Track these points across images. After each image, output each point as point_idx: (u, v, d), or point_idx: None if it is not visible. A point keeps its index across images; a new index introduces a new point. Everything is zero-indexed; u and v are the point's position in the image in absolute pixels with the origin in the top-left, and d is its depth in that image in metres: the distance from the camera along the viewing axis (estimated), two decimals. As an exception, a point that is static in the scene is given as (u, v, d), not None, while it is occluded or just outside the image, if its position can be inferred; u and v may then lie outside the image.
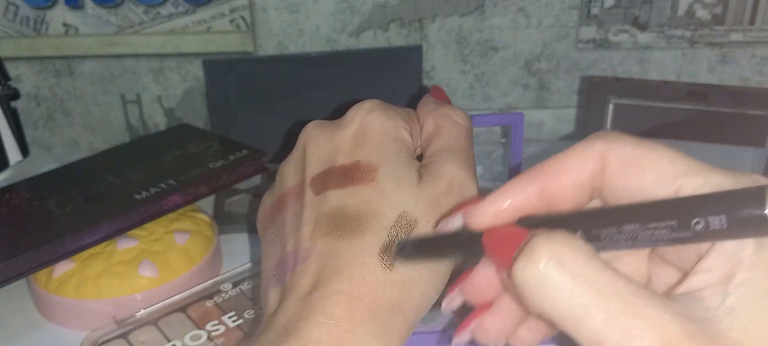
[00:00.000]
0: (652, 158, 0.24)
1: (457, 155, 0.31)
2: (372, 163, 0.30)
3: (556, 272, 0.21)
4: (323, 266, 0.28)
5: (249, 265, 0.51)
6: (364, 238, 0.28)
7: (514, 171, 0.52)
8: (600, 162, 0.25)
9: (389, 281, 0.28)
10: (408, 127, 0.32)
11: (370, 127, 0.31)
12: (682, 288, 0.22)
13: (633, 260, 0.27)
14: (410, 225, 0.28)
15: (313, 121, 0.33)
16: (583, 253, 0.21)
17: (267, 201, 0.34)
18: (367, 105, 0.32)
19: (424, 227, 0.29)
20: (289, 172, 0.33)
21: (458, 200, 0.30)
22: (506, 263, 0.23)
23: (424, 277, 0.28)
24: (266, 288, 0.31)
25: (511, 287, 0.23)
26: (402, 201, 0.29)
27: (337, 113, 0.33)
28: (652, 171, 0.23)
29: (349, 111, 0.32)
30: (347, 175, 0.30)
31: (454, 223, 0.27)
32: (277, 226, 0.32)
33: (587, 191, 0.25)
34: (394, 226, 0.28)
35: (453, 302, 0.28)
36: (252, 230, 0.57)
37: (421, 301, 0.28)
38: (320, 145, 0.32)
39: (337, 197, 0.29)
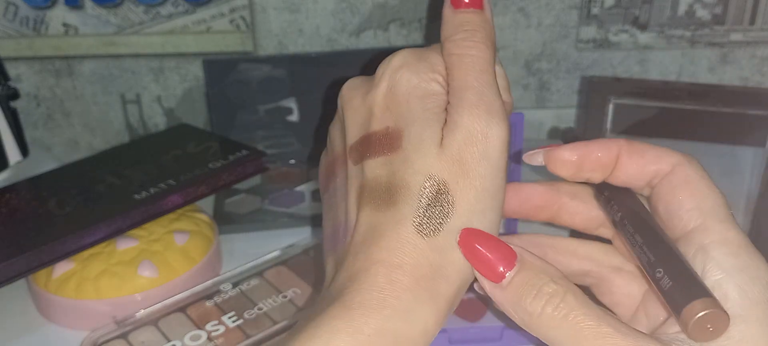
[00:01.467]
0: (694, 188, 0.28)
1: (469, 99, 0.28)
2: (398, 129, 0.29)
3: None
4: (364, 237, 0.28)
5: (249, 265, 0.51)
6: (397, 209, 0.28)
7: (514, 171, 0.52)
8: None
9: (428, 247, 0.27)
10: (439, 76, 0.30)
11: (397, 88, 0.29)
12: (666, 328, 0.26)
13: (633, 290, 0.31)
14: (439, 188, 0.27)
15: (349, 81, 0.32)
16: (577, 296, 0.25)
17: (323, 162, 0.34)
18: (395, 62, 0.30)
19: (453, 189, 0.27)
20: (336, 135, 0.33)
21: (483, 151, 0.28)
22: (496, 277, 0.27)
23: None
24: (326, 254, 0.31)
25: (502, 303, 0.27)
26: (426, 165, 0.28)
27: (373, 65, 0.32)
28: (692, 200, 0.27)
29: (378, 68, 0.31)
30: (379, 144, 0.29)
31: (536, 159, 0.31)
32: (331, 192, 0.32)
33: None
34: (421, 191, 0.27)
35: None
36: (249, 230, 0.57)
37: (462, 263, 0.28)
38: (355, 109, 0.31)
39: (371, 168, 0.29)
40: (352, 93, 0.31)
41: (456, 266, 0.27)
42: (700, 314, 0.23)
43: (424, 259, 0.27)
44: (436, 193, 0.27)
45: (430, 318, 0.27)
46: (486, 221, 0.28)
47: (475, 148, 0.28)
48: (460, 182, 0.27)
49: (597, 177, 0.30)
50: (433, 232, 0.27)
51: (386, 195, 0.28)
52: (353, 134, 0.30)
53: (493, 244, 0.27)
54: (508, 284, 0.26)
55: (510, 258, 0.26)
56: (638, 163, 0.29)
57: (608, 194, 0.30)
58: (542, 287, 0.25)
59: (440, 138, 0.28)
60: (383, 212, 0.28)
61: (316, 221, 0.57)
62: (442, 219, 0.27)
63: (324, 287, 0.30)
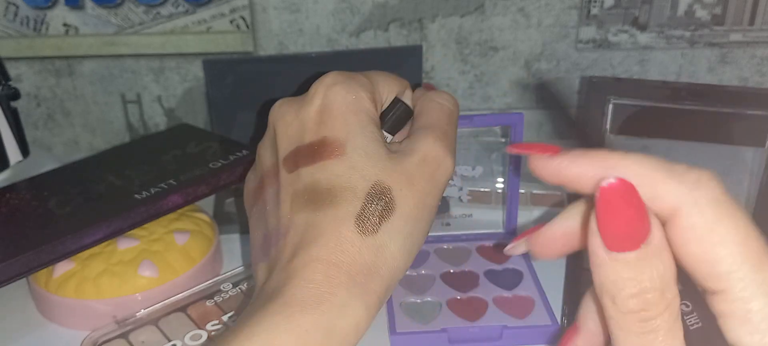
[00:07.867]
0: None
1: (434, 132, 0.33)
2: (339, 139, 0.32)
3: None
4: (302, 237, 0.30)
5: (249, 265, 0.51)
6: (339, 208, 0.30)
7: (513, 171, 0.53)
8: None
9: (365, 245, 0.30)
10: (370, 96, 0.34)
11: (332, 103, 0.33)
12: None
13: None
14: (384, 193, 0.30)
15: (279, 100, 0.35)
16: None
17: (250, 179, 0.37)
18: (328, 79, 0.33)
19: (397, 195, 0.31)
20: (265, 152, 0.35)
21: (432, 173, 0.32)
22: (638, 236, 0.21)
23: (396, 241, 0.30)
24: (255, 264, 0.34)
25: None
26: (374, 172, 0.31)
27: (303, 88, 0.34)
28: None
29: (312, 86, 0.34)
30: (316, 151, 0.32)
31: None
32: (260, 205, 0.35)
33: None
34: (368, 194, 0.30)
35: (517, 248, 0.28)
36: (245, 230, 0.57)
37: (394, 263, 0.30)
38: (288, 124, 0.33)
39: (309, 173, 0.32)
40: (283, 110, 0.34)
41: (389, 265, 0.30)
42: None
43: (360, 256, 0.29)
44: (380, 195, 0.30)
45: (362, 313, 0.29)
46: (416, 230, 0.31)
47: (427, 169, 0.32)
48: (404, 189, 0.31)
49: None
50: (373, 230, 0.30)
51: (327, 196, 0.31)
52: (286, 146, 0.33)
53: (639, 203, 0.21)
54: (646, 246, 0.21)
55: (646, 230, 0.21)
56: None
57: None
58: (665, 291, 0.21)
59: (386, 152, 0.32)
60: (323, 211, 0.30)
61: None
62: (382, 219, 0.30)
63: (256, 290, 0.31)
